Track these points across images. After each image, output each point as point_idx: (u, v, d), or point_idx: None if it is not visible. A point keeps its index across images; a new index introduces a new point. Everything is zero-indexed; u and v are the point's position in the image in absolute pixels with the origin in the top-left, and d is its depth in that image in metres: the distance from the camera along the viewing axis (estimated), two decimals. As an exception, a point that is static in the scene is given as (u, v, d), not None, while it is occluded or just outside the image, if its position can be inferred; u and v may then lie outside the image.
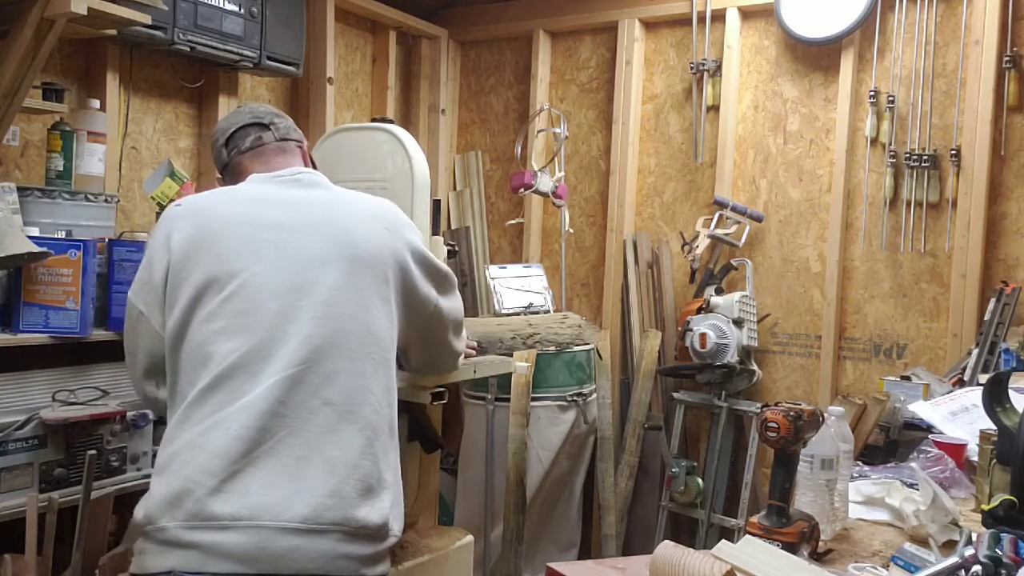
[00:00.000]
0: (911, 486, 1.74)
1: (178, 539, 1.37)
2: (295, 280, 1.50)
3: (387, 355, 1.56)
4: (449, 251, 2.20)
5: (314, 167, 1.77)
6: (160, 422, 2.67)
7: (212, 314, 1.47)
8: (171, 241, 1.53)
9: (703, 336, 3.18)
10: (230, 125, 1.74)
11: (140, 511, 1.44)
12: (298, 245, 1.52)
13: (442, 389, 1.94)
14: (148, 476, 2.51)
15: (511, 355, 2.36)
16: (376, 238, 1.59)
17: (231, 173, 1.73)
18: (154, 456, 2.56)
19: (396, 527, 1.50)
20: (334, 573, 1.40)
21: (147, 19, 2.50)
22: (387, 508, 1.48)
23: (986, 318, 2.83)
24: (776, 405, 1.44)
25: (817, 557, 1.42)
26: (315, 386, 1.45)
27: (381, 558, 1.48)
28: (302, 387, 1.44)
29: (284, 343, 1.45)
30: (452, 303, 1.76)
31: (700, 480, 3.37)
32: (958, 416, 2.18)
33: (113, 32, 2.56)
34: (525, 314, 3.40)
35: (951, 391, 2.47)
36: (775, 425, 1.40)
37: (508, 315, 3.37)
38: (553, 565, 1.28)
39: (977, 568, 1.19)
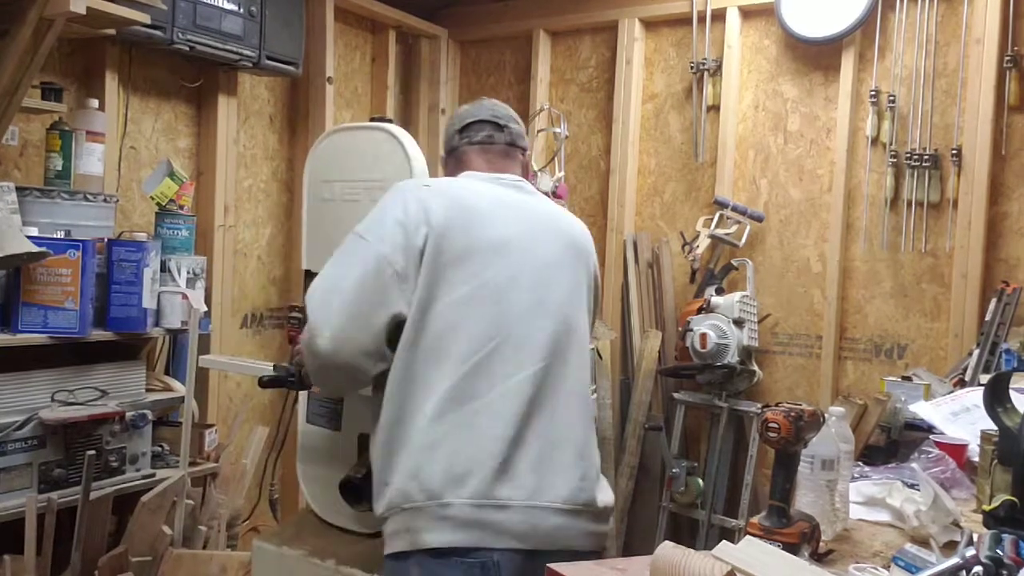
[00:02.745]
0: (912, 487, 1.73)
1: (464, 516, 1.47)
2: (537, 279, 1.62)
3: (589, 356, 1.72)
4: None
5: (525, 175, 1.86)
6: (161, 421, 2.66)
7: (465, 299, 1.55)
8: (430, 215, 1.57)
9: (703, 336, 3.17)
10: (470, 115, 1.83)
11: (412, 486, 1.49)
12: (538, 247, 1.65)
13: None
14: (148, 476, 2.52)
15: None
16: (586, 249, 1.77)
17: (454, 158, 1.83)
18: (154, 456, 2.58)
19: None
20: (586, 548, 1.55)
21: (146, 19, 2.50)
22: (611, 493, 1.65)
23: (987, 318, 2.82)
24: (777, 405, 1.43)
25: (818, 558, 1.42)
26: (559, 379, 1.59)
27: (606, 536, 1.65)
28: (549, 380, 1.57)
29: (531, 337, 1.57)
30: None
31: (700, 481, 3.36)
32: (959, 416, 2.17)
33: (112, 32, 2.56)
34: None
35: (952, 391, 2.46)
36: (776, 425, 1.39)
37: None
38: (553, 565, 1.27)
39: (978, 569, 1.18)
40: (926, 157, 3.12)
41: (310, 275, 2.18)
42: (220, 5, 2.89)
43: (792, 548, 1.33)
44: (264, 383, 1.99)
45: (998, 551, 1.22)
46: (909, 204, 3.16)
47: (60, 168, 2.53)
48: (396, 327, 1.55)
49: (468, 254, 1.57)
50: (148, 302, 2.54)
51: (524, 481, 1.50)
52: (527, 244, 1.63)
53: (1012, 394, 1.63)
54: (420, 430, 1.51)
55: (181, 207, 2.78)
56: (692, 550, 1.14)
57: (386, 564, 1.57)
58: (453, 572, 1.47)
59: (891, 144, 3.20)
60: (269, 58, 3.08)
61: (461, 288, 1.55)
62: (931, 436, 2.07)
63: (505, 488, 1.49)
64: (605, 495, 1.62)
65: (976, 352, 2.74)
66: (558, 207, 1.84)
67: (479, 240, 1.59)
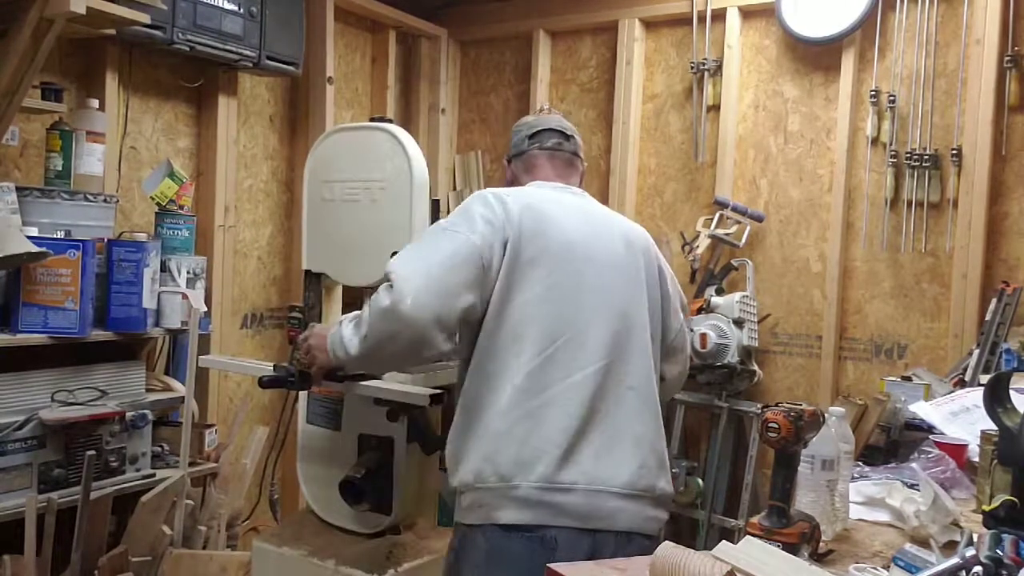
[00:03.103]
0: (912, 487, 1.73)
1: (530, 497, 1.63)
2: (600, 282, 1.74)
3: (656, 352, 1.84)
4: (449, 251, 2.18)
5: (581, 182, 2.00)
6: (161, 421, 2.66)
7: (538, 299, 1.69)
8: (510, 216, 1.70)
9: (703, 336, 3.17)
10: (539, 124, 1.97)
11: (486, 468, 1.65)
12: (601, 251, 1.78)
13: (441, 391, 1.93)
14: (148, 476, 2.52)
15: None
16: (645, 249, 1.88)
17: (523, 162, 1.95)
18: (154, 456, 2.58)
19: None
20: (645, 531, 1.71)
21: (146, 18, 2.49)
22: (670, 481, 1.79)
23: (987, 318, 2.82)
24: (777, 405, 1.43)
25: (818, 558, 1.42)
26: (621, 375, 1.72)
27: (665, 522, 1.79)
28: (612, 375, 1.71)
29: (595, 336, 1.70)
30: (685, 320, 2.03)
31: (700, 481, 3.36)
32: (959, 416, 2.17)
33: (112, 32, 2.56)
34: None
35: (952, 391, 2.46)
36: (776, 425, 1.39)
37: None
38: (553, 565, 1.28)
39: (978, 569, 1.18)
40: (926, 157, 3.12)
41: (310, 275, 2.19)
42: (220, 5, 2.89)
43: (792, 548, 1.33)
44: (264, 383, 1.99)
45: (998, 551, 1.22)
46: (909, 204, 3.16)
47: (60, 168, 2.53)
48: (467, 317, 1.67)
49: (542, 256, 1.70)
50: (148, 302, 2.54)
51: (586, 468, 1.65)
52: (592, 248, 1.76)
53: (1012, 394, 1.63)
54: (494, 418, 1.66)
55: (181, 207, 2.78)
56: (692, 550, 1.14)
57: (457, 529, 1.74)
58: (515, 545, 1.63)
59: (891, 144, 3.20)
60: (269, 58, 3.08)
61: (535, 288, 1.69)
62: (931, 436, 2.07)
63: (568, 473, 1.64)
64: (665, 483, 1.75)
65: (976, 352, 2.74)
66: (615, 213, 2.00)
67: (551, 244, 1.71)
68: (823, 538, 1.48)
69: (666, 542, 1.17)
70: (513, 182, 1.98)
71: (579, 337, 1.70)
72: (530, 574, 1.54)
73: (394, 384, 1.97)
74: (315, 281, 2.18)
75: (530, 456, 1.64)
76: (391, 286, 1.62)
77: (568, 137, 1.97)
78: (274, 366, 2.02)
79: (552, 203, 1.79)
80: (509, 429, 1.65)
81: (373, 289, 2.12)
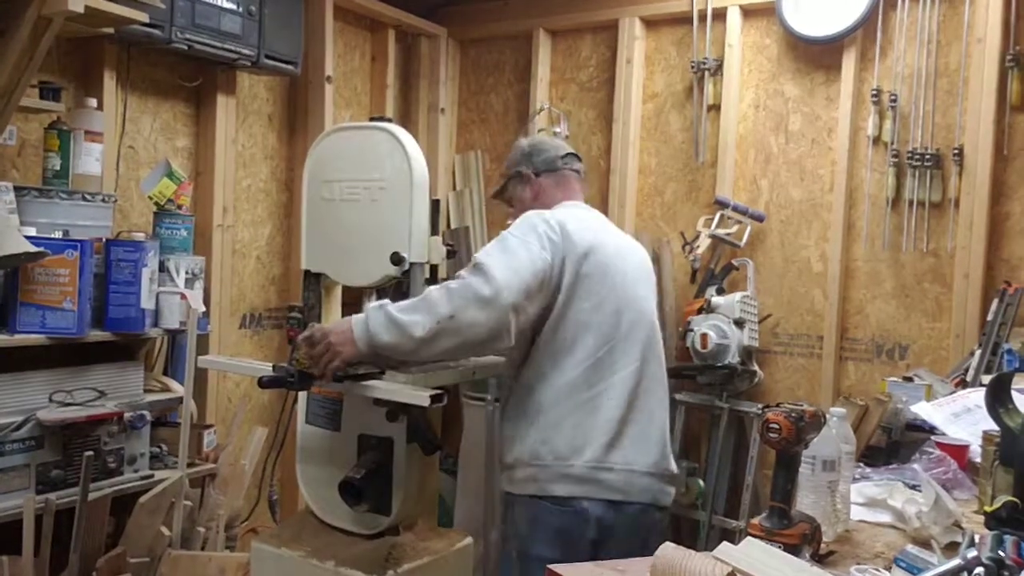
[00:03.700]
0: (913, 487, 1.73)
1: (582, 475, 1.95)
2: (632, 294, 2.05)
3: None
4: (448, 251, 2.18)
5: None
6: (159, 422, 2.65)
7: (589, 310, 1.97)
8: (566, 236, 1.96)
9: (704, 336, 3.17)
10: (562, 147, 2.27)
11: (543, 449, 1.96)
12: (628, 268, 2.08)
13: (441, 391, 1.92)
14: (146, 477, 2.51)
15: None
16: (651, 266, 2.21)
17: (555, 178, 2.21)
18: (152, 457, 2.57)
19: None
20: (660, 503, 2.05)
21: (144, 17, 2.49)
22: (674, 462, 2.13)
23: (989, 318, 2.82)
24: (778, 406, 1.43)
25: (819, 559, 1.41)
26: (651, 373, 2.06)
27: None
28: (645, 374, 2.04)
29: (633, 341, 2.02)
30: None
31: (701, 481, 3.35)
32: (960, 417, 2.17)
33: (110, 31, 2.55)
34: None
35: (953, 392, 2.46)
36: (777, 426, 1.39)
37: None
38: (553, 566, 1.27)
39: (980, 570, 1.18)
40: (928, 157, 3.12)
41: (309, 275, 2.18)
42: (219, 4, 2.88)
43: (793, 549, 1.33)
44: (264, 383, 1.99)
45: (1000, 552, 1.22)
46: (911, 204, 3.16)
47: (58, 168, 2.52)
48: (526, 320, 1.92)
49: (593, 273, 1.97)
50: (146, 302, 2.53)
51: (626, 452, 1.97)
52: (627, 267, 2.07)
53: (1014, 395, 1.62)
54: (550, 408, 1.97)
55: (179, 207, 2.77)
56: (693, 551, 1.14)
57: (515, 500, 2.03)
58: (553, 515, 1.95)
59: (893, 144, 3.19)
60: (268, 57, 3.07)
61: (587, 301, 1.97)
62: (932, 437, 2.06)
63: (613, 455, 1.96)
64: (674, 465, 2.10)
65: (978, 352, 2.74)
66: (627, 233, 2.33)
67: (599, 262, 1.99)
68: (824, 539, 1.47)
69: (667, 543, 1.17)
70: (539, 194, 2.19)
71: (622, 343, 2.00)
72: (566, 537, 1.90)
73: (394, 384, 1.96)
74: (314, 281, 2.18)
75: (582, 441, 1.95)
76: (486, 277, 1.80)
77: (580, 159, 2.29)
78: (274, 366, 2.01)
79: (593, 225, 2.09)
80: (564, 417, 1.96)
81: (374, 289, 2.13)
